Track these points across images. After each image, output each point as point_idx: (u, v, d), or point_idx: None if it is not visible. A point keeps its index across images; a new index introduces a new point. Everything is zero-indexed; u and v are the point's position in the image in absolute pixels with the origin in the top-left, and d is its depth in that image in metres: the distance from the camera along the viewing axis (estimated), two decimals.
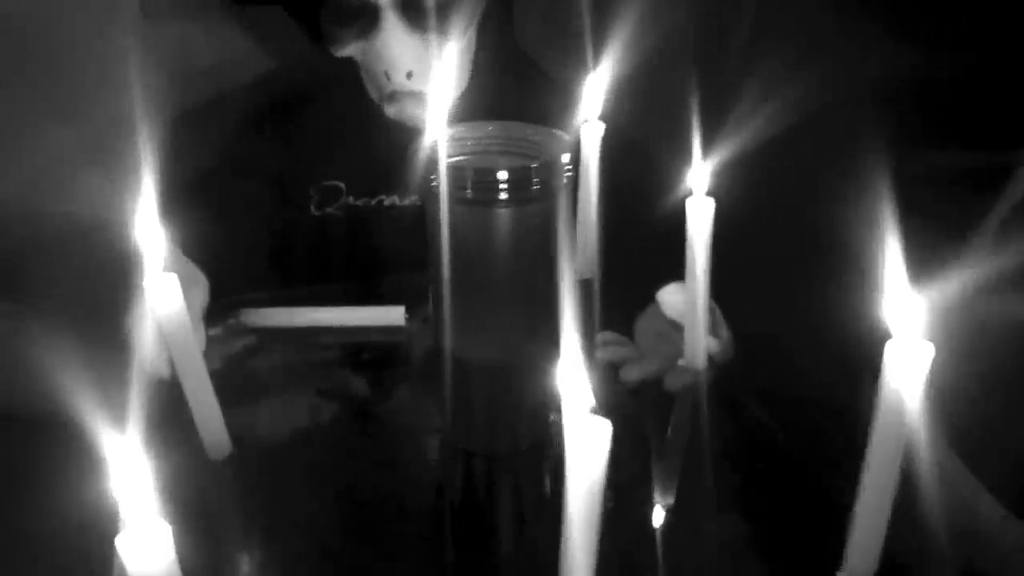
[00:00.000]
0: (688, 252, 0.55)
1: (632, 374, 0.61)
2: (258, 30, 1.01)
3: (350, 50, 0.77)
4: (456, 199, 0.46)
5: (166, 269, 0.45)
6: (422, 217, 0.87)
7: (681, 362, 0.60)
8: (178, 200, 0.83)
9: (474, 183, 0.44)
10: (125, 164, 0.59)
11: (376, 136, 0.85)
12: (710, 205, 0.54)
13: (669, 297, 0.64)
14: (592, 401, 0.33)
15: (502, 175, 0.44)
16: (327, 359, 0.62)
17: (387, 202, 0.87)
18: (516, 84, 0.86)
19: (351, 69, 0.85)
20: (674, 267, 0.60)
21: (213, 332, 0.61)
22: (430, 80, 0.76)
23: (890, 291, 0.38)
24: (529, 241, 0.46)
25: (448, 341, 0.49)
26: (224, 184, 0.86)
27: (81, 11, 0.92)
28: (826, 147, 0.69)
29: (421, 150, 0.54)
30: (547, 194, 0.45)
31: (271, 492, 0.49)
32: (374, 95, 0.81)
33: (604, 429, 0.33)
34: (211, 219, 0.76)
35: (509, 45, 0.88)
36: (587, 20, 0.74)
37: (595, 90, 0.61)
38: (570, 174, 0.47)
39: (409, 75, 0.75)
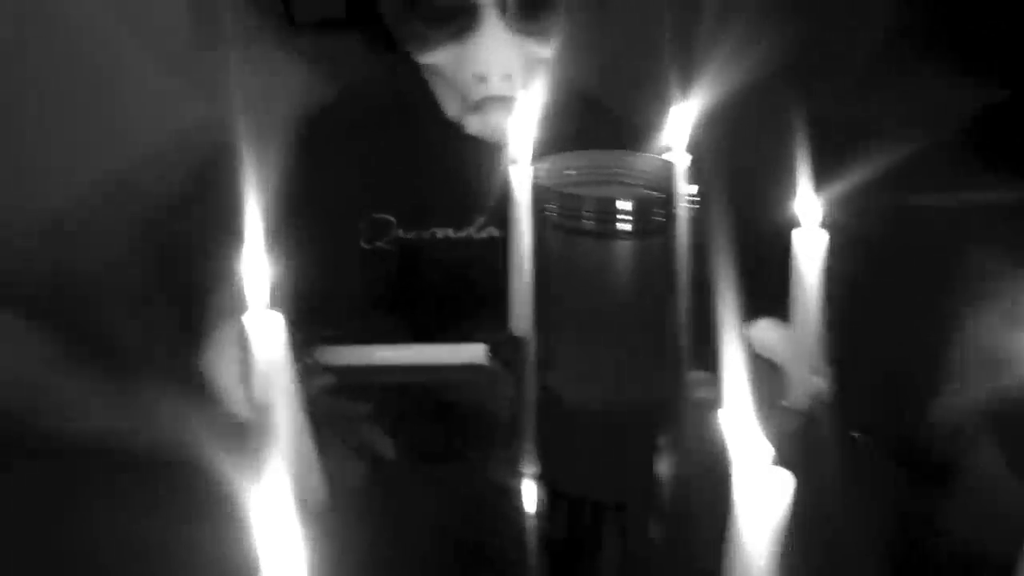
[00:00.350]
0: (795, 288, 0.53)
1: None
2: (311, 58, 1.00)
3: (440, 55, 0.74)
4: (570, 230, 0.43)
5: (269, 306, 0.43)
6: (479, 250, 0.85)
7: (785, 403, 0.57)
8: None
9: (594, 213, 0.42)
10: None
11: (429, 168, 0.83)
12: (823, 238, 0.51)
13: (762, 334, 0.61)
14: (772, 450, 0.31)
15: (625, 205, 0.42)
16: (409, 401, 0.60)
17: (440, 235, 0.84)
18: (571, 118, 0.84)
19: (402, 98, 0.84)
20: (760, 302, 0.57)
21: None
22: (520, 87, 0.73)
23: None
24: (649, 275, 0.44)
25: (555, 381, 0.46)
26: (277, 218, 0.84)
27: (134, 41, 0.92)
28: (936, 178, 0.67)
29: (520, 176, 0.52)
30: (669, 226, 0.43)
31: (366, 544, 0.46)
32: (453, 109, 0.78)
33: (786, 481, 0.30)
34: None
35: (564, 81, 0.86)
36: (668, 57, 0.73)
37: (681, 122, 0.59)
38: (696, 204, 0.45)
39: (505, 78, 0.72)
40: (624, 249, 0.43)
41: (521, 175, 0.59)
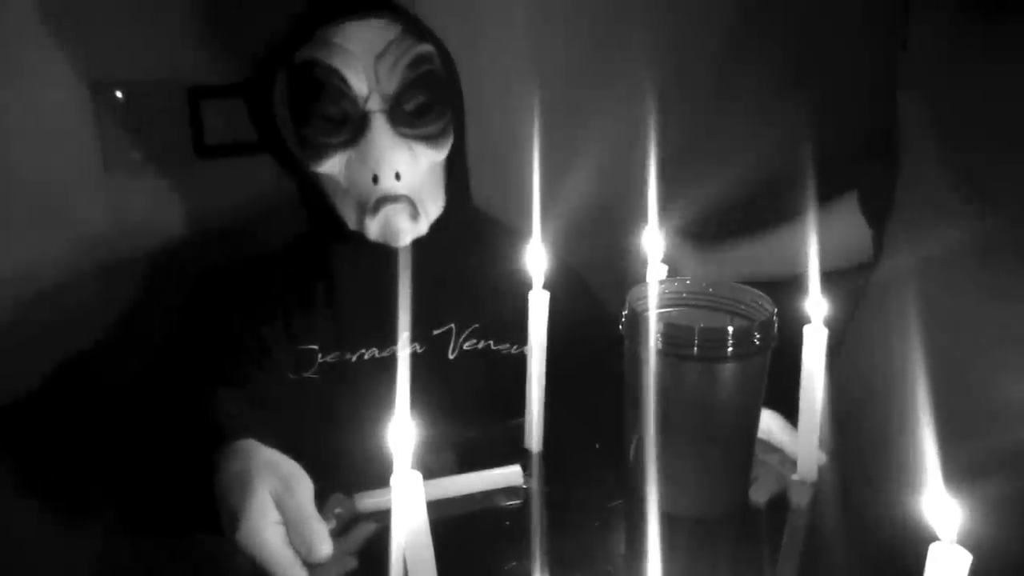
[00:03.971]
0: (804, 377, 0.61)
1: (762, 495, 0.64)
2: (221, 186, 0.96)
3: (333, 162, 0.77)
4: (678, 356, 0.48)
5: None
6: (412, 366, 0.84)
7: (795, 477, 0.64)
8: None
9: (700, 341, 0.47)
10: None
11: (345, 292, 0.82)
12: (823, 333, 0.60)
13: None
14: (955, 533, 0.37)
15: (728, 332, 0.47)
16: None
17: (367, 355, 0.83)
18: (474, 238, 0.87)
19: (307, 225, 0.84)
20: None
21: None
22: (416, 187, 0.78)
23: None
24: (746, 393, 0.49)
25: (659, 496, 0.50)
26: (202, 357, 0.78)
27: (43, 159, 0.86)
28: None
29: (538, 302, 0.56)
30: (763, 349, 0.49)
31: None
32: (351, 218, 0.79)
33: (964, 559, 0.37)
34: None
35: (467, 201, 0.89)
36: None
37: (656, 240, 0.67)
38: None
39: (398, 176, 0.77)
40: (727, 371, 0.48)
41: (538, 301, 0.63)
